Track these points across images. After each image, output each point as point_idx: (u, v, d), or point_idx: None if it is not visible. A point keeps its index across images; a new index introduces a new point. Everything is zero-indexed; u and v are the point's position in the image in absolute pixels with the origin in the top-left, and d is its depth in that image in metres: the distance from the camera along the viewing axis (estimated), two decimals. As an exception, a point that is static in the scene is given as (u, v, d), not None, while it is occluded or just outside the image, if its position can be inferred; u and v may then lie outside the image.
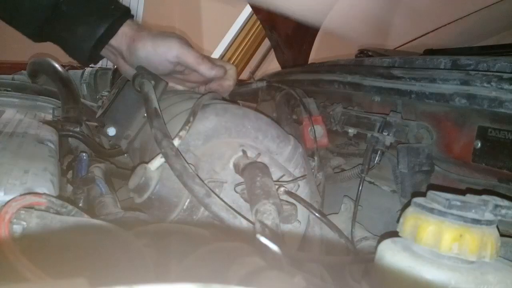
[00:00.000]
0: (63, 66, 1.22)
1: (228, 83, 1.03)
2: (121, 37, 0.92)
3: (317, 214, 0.74)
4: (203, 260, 0.48)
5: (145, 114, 0.90)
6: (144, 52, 0.90)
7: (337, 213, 0.92)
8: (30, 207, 0.51)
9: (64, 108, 1.11)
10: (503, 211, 0.46)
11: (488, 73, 0.72)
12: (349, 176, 0.96)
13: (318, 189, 0.89)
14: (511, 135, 0.66)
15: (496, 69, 0.77)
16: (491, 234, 0.45)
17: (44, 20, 0.89)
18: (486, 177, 0.74)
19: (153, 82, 0.89)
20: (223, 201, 0.66)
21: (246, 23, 3.20)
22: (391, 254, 0.47)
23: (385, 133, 0.85)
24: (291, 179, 0.78)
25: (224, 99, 0.99)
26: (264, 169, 0.69)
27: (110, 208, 0.78)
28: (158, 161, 0.72)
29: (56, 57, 1.33)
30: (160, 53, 0.90)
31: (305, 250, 0.80)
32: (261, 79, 1.34)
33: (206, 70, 0.95)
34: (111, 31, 0.91)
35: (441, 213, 0.46)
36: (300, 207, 0.71)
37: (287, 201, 0.69)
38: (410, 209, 0.49)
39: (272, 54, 2.30)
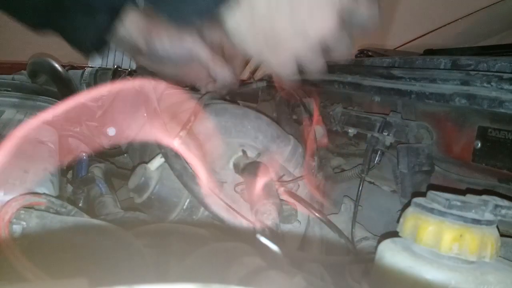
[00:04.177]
0: (63, 66, 1.22)
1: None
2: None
3: (317, 214, 0.74)
4: (203, 260, 0.48)
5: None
6: None
7: (337, 213, 0.92)
8: (29, 207, 0.51)
9: (64, 108, 1.10)
10: (503, 211, 0.46)
11: (488, 73, 0.72)
12: (349, 176, 0.96)
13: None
14: (511, 135, 0.66)
15: (496, 69, 0.76)
16: (491, 234, 0.45)
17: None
18: (486, 177, 0.74)
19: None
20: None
21: (246, 23, 3.20)
22: (391, 254, 0.47)
23: (385, 133, 0.84)
24: (291, 179, 0.78)
25: (224, 99, 0.99)
26: (264, 169, 0.69)
27: (110, 208, 0.78)
28: (158, 161, 0.72)
29: (56, 57, 1.33)
30: None
31: (305, 250, 0.80)
32: (261, 79, 1.34)
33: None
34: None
35: (441, 213, 0.45)
36: (300, 207, 0.71)
37: (287, 201, 0.69)
38: (410, 209, 0.49)
39: (272, 54, 2.29)
